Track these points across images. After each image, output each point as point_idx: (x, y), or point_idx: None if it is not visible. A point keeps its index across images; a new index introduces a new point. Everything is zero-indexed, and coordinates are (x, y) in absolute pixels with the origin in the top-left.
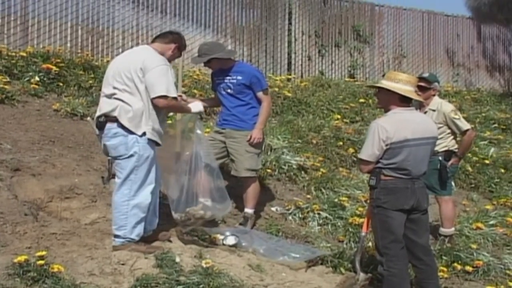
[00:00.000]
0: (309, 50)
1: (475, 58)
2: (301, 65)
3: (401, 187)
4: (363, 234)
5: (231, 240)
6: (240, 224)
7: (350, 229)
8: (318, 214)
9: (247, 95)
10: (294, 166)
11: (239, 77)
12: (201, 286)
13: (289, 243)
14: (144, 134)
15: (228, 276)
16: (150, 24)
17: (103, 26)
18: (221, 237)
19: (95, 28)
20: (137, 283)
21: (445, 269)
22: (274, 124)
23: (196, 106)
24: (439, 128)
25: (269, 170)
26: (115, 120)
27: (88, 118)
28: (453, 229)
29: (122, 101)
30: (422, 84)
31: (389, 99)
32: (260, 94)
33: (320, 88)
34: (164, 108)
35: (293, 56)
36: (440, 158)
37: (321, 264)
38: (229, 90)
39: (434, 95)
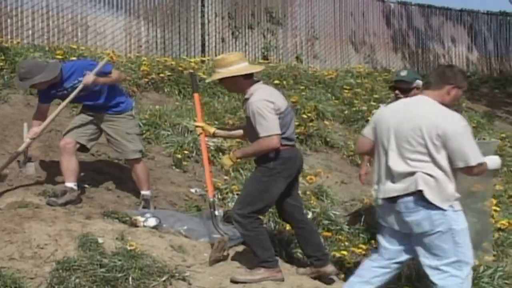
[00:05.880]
0: (223, 32)
1: (385, 39)
2: (215, 47)
3: (293, 156)
4: (211, 199)
5: (152, 222)
6: (144, 207)
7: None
8: (237, 194)
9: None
10: (212, 148)
11: (80, 78)
12: (124, 268)
13: (209, 224)
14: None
15: (151, 257)
16: (61, 5)
17: (11, 7)
18: (142, 219)
19: (2, 8)
20: (59, 266)
21: (363, 246)
22: (190, 106)
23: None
24: None
25: (186, 152)
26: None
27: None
28: None
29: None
30: (402, 86)
31: (235, 82)
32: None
33: None
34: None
35: (206, 38)
36: None
37: (243, 243)
38: (81, 93)
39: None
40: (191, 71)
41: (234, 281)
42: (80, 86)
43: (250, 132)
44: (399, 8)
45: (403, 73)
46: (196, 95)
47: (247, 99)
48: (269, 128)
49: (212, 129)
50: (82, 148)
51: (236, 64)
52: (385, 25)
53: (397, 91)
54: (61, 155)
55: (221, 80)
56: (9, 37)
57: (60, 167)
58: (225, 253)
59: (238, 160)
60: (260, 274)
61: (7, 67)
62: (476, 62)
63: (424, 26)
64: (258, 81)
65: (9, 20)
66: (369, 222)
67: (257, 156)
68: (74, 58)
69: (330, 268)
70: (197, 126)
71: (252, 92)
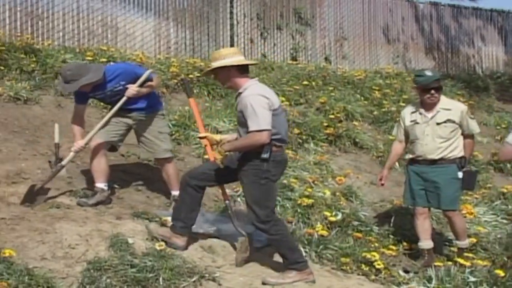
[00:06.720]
0: (251, 33)
1: (414, 39)
2: (244, 48)
3: (285, 159)
4: (227, 202)
5: None
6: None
7: (299, 210)
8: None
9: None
10: None
11: (122, 82)
12: (155, 268)
13: (238, 225)
14: None
15: (181, 258)
16: (91, 7)
17: (42, 9)
18: None
19: (34, 10)
20: (90, 266)
21: (393, 247)
22: (220, 107)
23: None
24: (454, 129)
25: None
26: None
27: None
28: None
29: None
30: (437, 85)
31: (229, 75)
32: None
33: (264, 70)
34: None
35: (235, 39)
36: (461, 165)
37: (271, 245)
38: (118, 97)
39: None
40: (183, 77)
41: (265, 283)
42: (124, 99)
43: (242, 127)
44: (429, 8)
45: (431, 73)
46: (191, 100)
47: (240, 93)
48: (261, 123)
49: (217, 137)
50: (111, 148)
51: (229, 58)
52: (415, 25)
53: (433, 91)
54: (90, 155)
55: (216, 75)
56: (40, 39)
57: (90, 168)
58: (248, 253)
59: (227, 153)
60: (292, 277)
61: (38, 69)
62: (506, 62)
63: (454, 26)
64: (253, 77)
65: (40, 22)
66: (399, 223)
67: (245, 150)
68: (104, 60)
69: (180, 242)
70: (201, 138)
71: (246, 87)
